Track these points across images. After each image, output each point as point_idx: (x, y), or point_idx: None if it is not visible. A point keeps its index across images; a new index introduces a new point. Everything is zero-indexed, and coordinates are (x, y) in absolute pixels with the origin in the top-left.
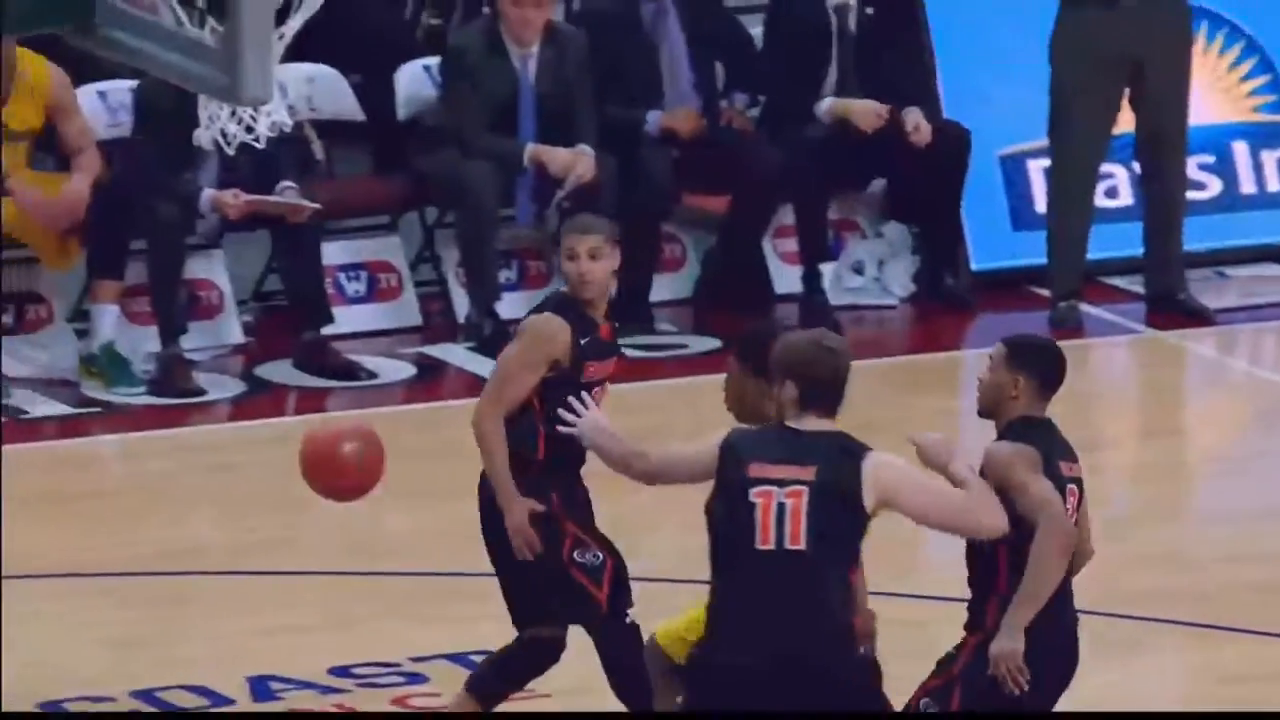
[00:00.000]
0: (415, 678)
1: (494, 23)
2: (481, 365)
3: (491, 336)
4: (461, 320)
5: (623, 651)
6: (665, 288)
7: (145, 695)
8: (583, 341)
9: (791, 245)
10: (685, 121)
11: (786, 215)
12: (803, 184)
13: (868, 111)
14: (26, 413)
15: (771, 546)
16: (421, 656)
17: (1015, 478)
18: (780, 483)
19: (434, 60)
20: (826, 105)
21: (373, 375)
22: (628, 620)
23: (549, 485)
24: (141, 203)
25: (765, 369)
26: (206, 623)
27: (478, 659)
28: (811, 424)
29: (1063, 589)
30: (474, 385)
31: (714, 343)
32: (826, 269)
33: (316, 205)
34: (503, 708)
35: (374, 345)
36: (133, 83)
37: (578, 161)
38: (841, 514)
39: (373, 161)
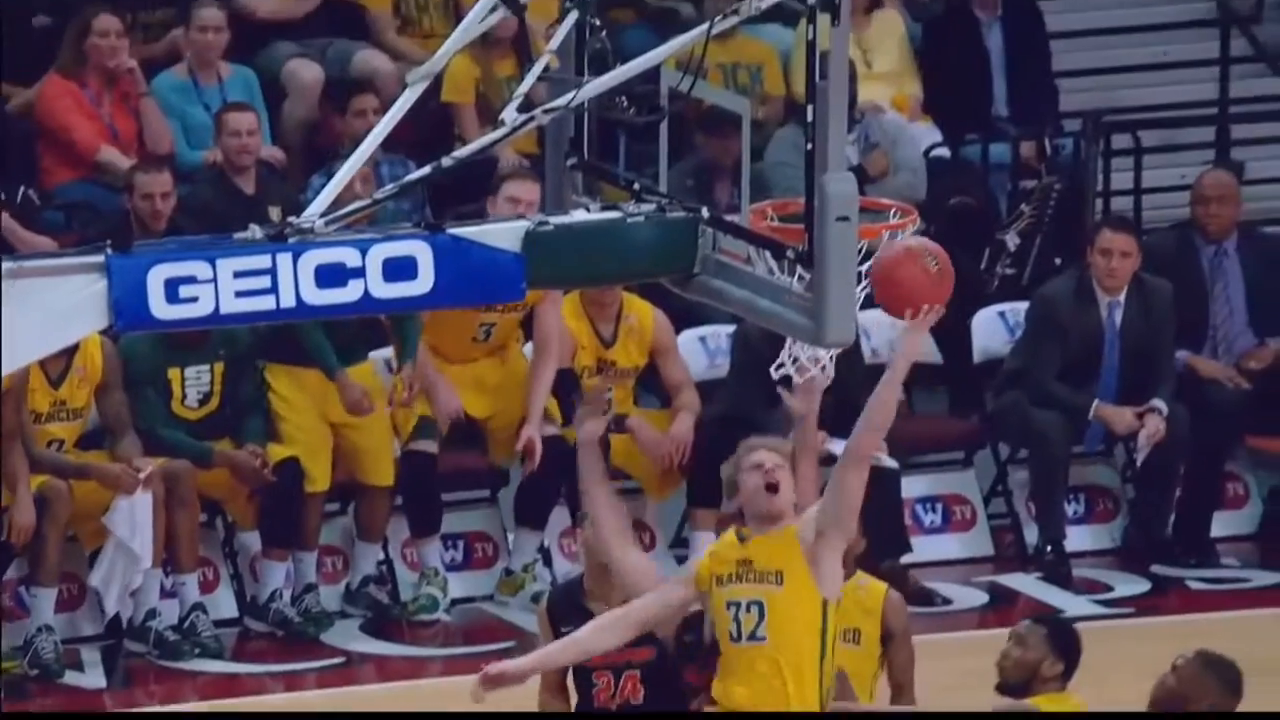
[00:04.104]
0: None
1: (1085, 273)
2: (1049, 594)
3: (1055, 566)
4: (1031, 551)
5: None
6: (1227, 524)
7: None
8: (564, 630)
9: None
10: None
11: None
12: None
13: None
14: None
15: None
16: None
17: None
18: None
19: (1007, 306)
20: None
21: (948, 601)
22: None
23: None
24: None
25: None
26: None
27: None
28: None
29: None
30: (1042, 612)
31: (1277, 577)
32: None
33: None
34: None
35: (949, 573)
36: (730, 328)
37: (1148, 422)
38: None
39: (949, 401)
